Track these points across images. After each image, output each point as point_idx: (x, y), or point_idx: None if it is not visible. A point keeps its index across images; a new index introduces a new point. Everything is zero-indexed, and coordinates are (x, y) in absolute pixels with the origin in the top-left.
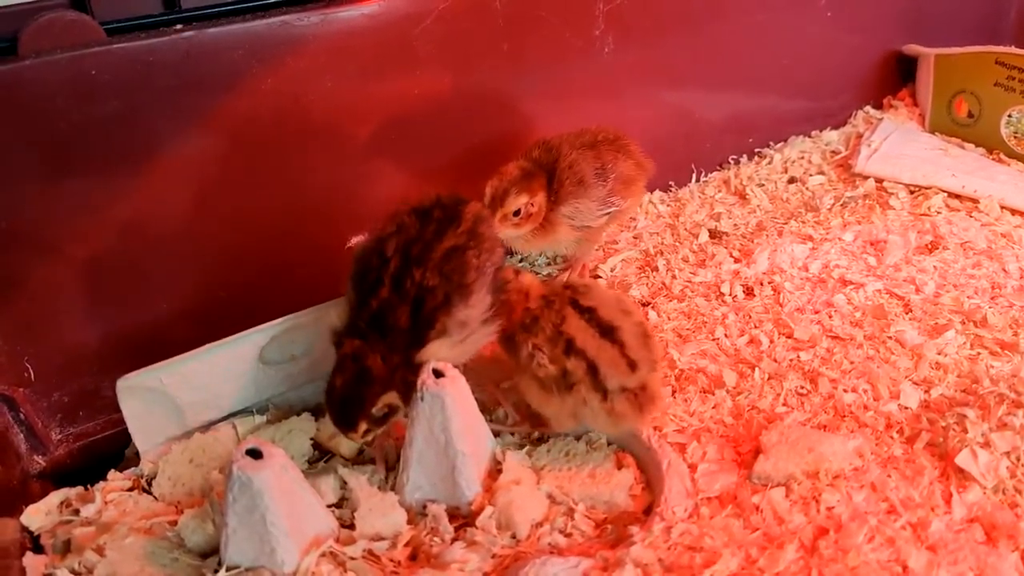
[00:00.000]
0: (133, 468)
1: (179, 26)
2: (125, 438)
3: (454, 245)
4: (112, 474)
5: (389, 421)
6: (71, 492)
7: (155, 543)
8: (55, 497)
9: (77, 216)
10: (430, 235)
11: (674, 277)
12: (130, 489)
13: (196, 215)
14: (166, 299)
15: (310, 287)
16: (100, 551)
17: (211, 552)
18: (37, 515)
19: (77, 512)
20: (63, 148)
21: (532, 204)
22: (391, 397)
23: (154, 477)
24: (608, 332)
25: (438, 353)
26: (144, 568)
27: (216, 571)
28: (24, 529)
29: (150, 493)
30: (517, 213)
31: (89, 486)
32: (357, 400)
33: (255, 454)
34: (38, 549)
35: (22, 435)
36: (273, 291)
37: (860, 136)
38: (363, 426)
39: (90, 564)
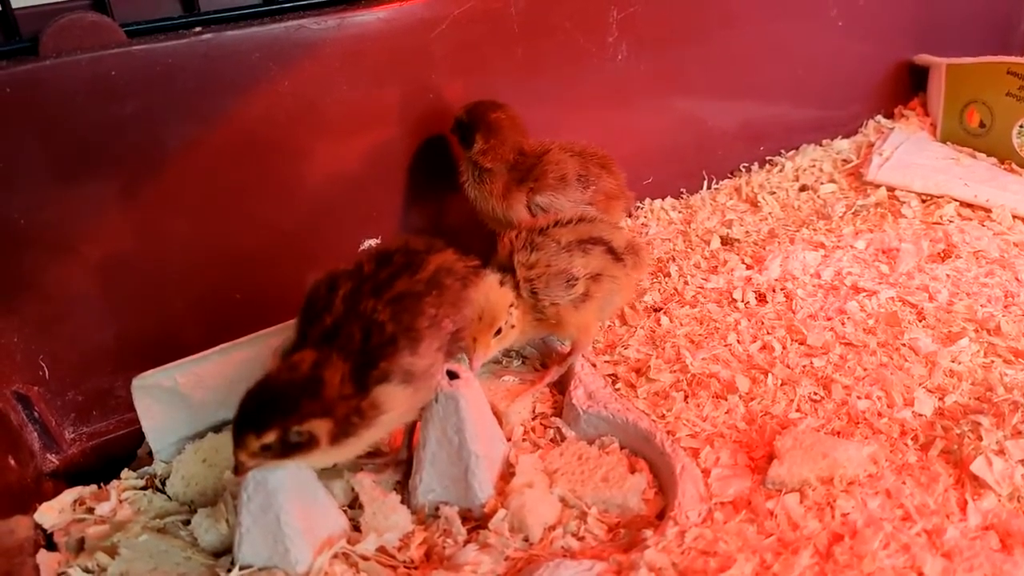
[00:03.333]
0: (146, 467)
1: (198, 28)
2: (138, 438)
3: (408, 290)
4: (125, 473)
5: (289, 456)
6: (85, 490)
7: (168, 542)
8: (69, 495)
9: (93, 216)
10: (384, 276)
11: (686, 283)
12: (144, 488)
13: (211, 216)
14: (181, 300)
15: None
16: (113, 550)
17: (224, 551)
18: (51, 513)
19: (91, 510)
20: (81, 148)
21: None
22: (322, 426)
23: (167, 477)
24: (580, 220)
25: (391, 400)
26: (158, 567)
27: (229, 571)
28: (38, 527)
29: (163, 492)
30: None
31: (103, 485)
32: (287, 404)
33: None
34: (51, 547)
35: (36, 433)
36: (286, 292)
37: (871, 145)
38: (269, 437)
39: (103, 563)
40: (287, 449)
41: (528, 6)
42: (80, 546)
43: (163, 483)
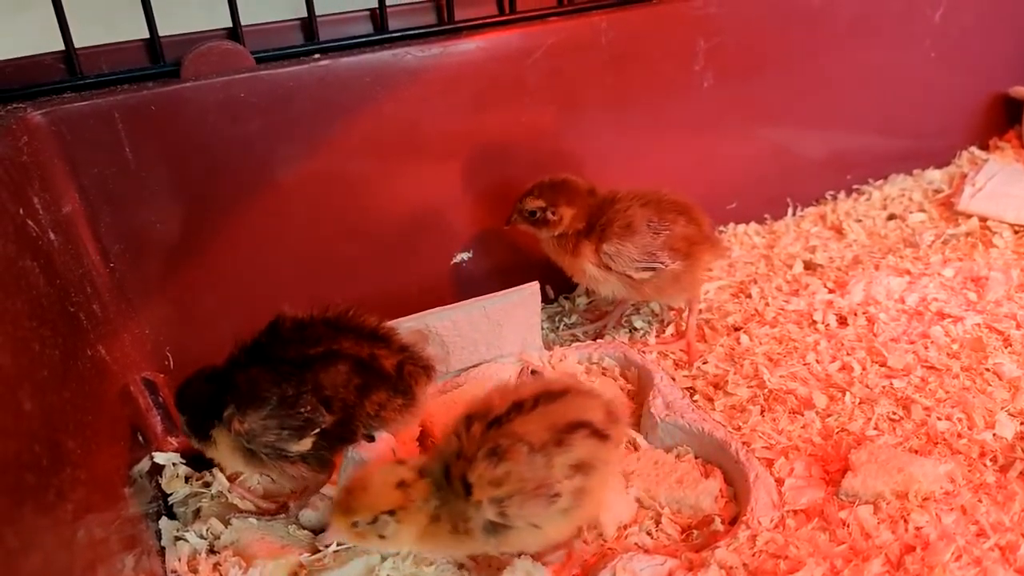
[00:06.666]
0: None
1: (317, 55)
2: None
3: (326, 357)
4: None
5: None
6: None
7: (274, 519)
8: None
9: (216, 225)
10: (337, 339)
11: (767, 304)
12: None
13: (318, 227)
14: (289, 302)
15: (414, 297)
16: (225, 520)
17: (321, 530)
18: (177, 481)
19: (207, 485)
20: (210, 162)
21: (551, 212)
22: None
23: None
24: (545, 395)
25: (222, 441)
26: (264, 537)
27: (328, 545)
28: (161, 498)
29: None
30: (533, 214)
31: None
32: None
33: (369, 438)
34: (172, 516)
35: (159, 417)
36: (382, 299)
37: (964, 176)
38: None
39: (216, 531)
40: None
41: (618, 36)
42: (196, 516)
43: None
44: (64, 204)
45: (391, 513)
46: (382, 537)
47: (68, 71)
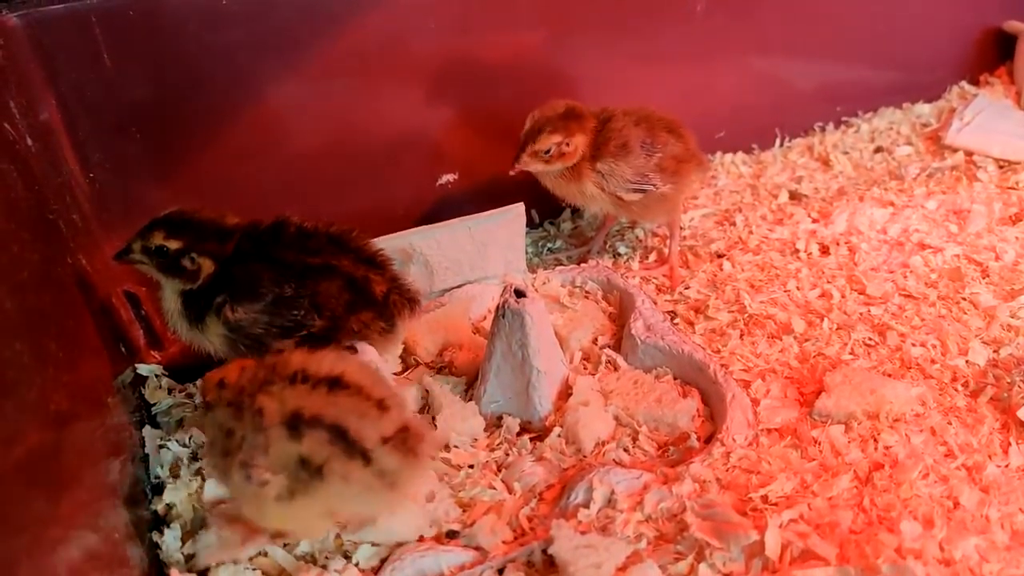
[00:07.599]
0: None
1: None
2: None
3: (324, 270)
4: None
5: (164, 273)
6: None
7: None
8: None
9: (201, 137)
10: (338, 255)
11: (751, 232)
12: None
13: (304, 143)
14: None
15: (399, 216)
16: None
17: None
18: (160, 392)
19: (190, 396)
20: (193, 71)
21: (566, 144)
22: (208, 266)
23: None
24: (326, 379)
25: (213, 327)
26: None
27: None
28: (144, 407)
29: None
30: (548, 152)
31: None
32: (204, 232)
33: (351, 349)
34: (155, 425)
35: (142, 331)
36: (367, 214)
37: (953, 110)
38: (174, 244)
39: (199, 440)
40: (171, 266)
41: None
42: (179, 425)
43: None
44: (42, 110)
45: (207, 404)
46: None
47: None
